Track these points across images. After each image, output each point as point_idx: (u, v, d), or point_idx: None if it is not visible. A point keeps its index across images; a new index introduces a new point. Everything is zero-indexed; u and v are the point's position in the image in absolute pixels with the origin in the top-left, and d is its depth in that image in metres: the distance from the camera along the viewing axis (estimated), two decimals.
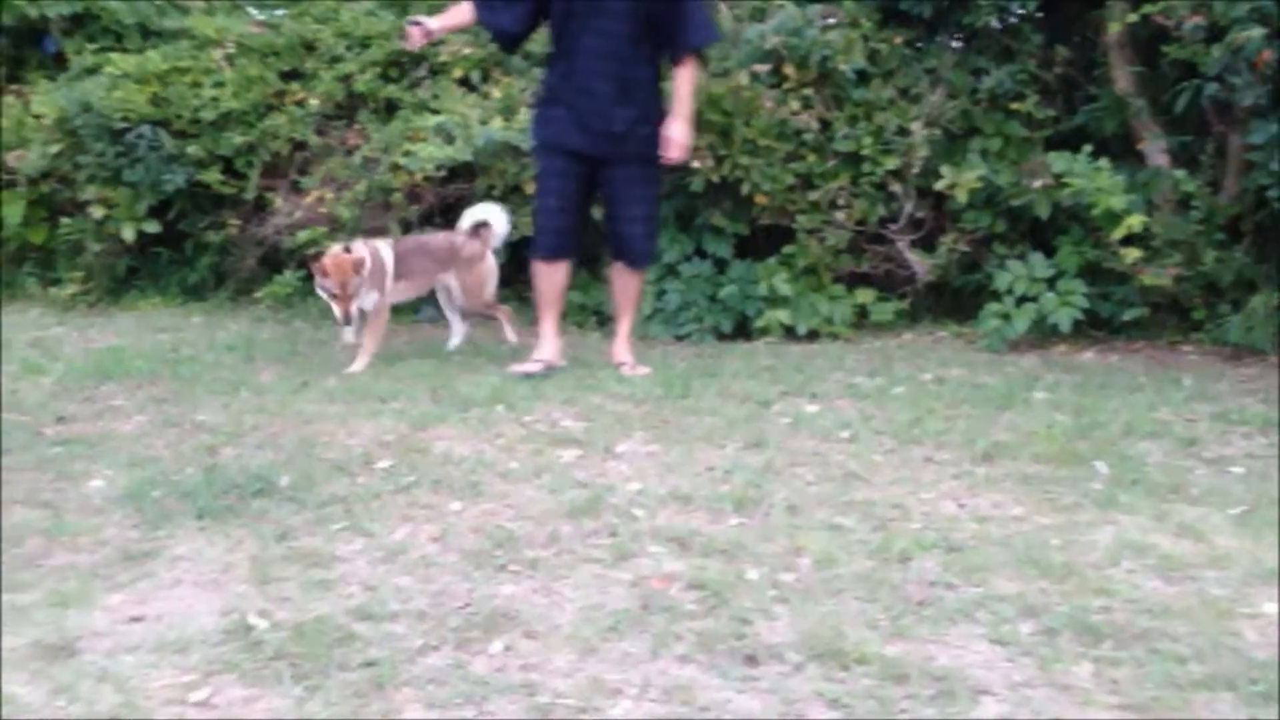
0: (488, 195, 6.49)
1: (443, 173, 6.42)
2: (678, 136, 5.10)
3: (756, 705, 2.38)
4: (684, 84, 5.11)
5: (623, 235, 5.22)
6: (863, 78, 6.39)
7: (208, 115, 6.75)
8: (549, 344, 5.30)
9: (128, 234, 6.84)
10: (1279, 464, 3.83)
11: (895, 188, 6.30)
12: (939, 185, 6.15)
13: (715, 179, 6.23)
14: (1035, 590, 2.89)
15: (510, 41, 5.31)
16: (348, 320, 5.06)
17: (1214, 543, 3.14)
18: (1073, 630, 2.66)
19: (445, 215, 6.74)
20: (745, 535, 3.26)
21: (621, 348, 5.36)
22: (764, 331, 6.20)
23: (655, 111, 5.11)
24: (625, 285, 5.39)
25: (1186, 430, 4.15)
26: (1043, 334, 5.87)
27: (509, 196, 6.46)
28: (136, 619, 2.75)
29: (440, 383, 4.94)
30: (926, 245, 6.36)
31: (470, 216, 5.70)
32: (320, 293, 5.09)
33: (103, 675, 2.47)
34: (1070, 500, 3.53)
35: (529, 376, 5.03)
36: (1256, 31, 5.21)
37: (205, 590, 2.92)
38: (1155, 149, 5.95)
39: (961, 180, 6.07)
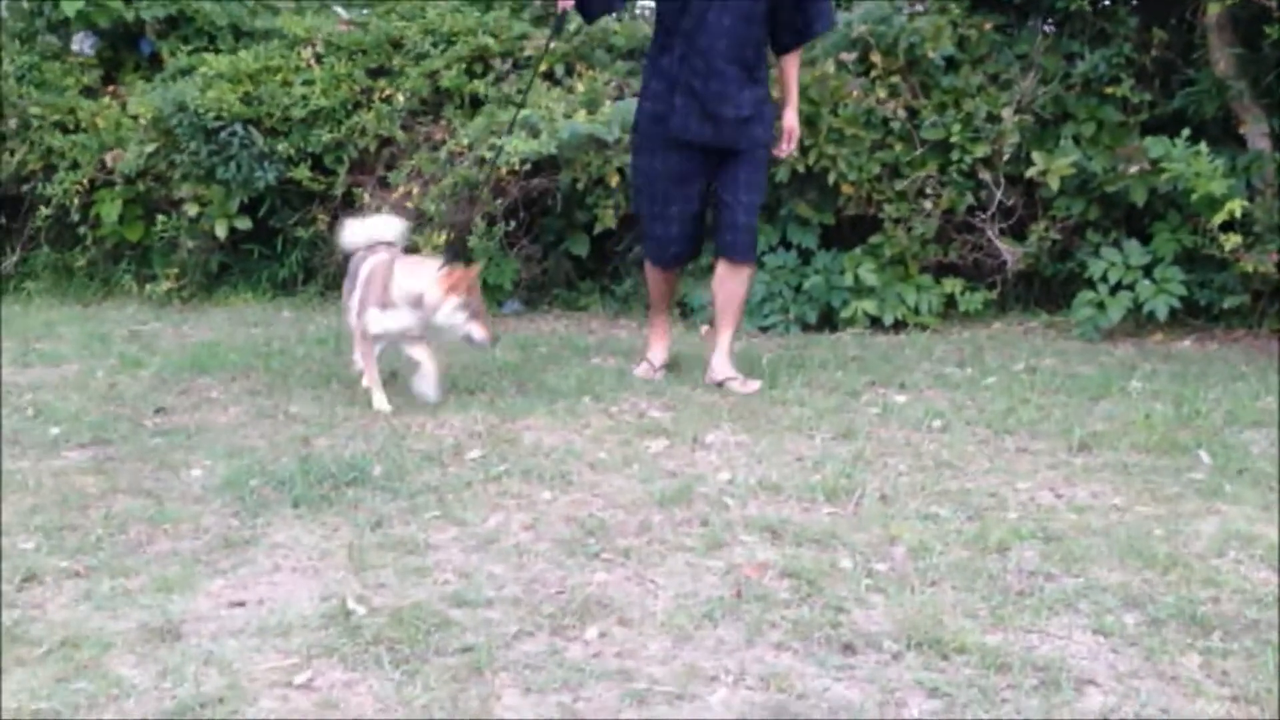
0: (572, 188, 6.53)
1: (528, 166, 6.45)
2: (795, 127, 4.88)
3: (855, 694, 2.35)
4: (795, 72, 4.85)
5: (737, 226, 4.74)
6: (951, 64, 6.29)
7: (297, 113, 6.87)
8: (661, 346, 5.04)
9: (220, 231, 6.99)
10: None
11: (984, 175, 6.20)
12: (1030, 172, 6.04)
13: (801, 169, 6.18)
14: (1138, 581, 2.82)
15: (601, 12, 5.03)
16: (496, 340, 4.48)
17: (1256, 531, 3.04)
18: (1179, 621, 2.59)
19: (529, 209, 6.79)
20: (838, 524, 3.23)
21: (724, 361, 4.82)
22: (849, 322, 6.14)
23: (769, 94, 4.82)
24: (735, 286, 4.86)
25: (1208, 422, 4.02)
26: (1138, 323, 5.73)
27: (592, 189, 6.49)
28: (238, 604, 2.80)
29: (526, 375, 4.97)
30: (1017, 233, 6.25)
31: (365, 231, 4.70)
32: (449, 320, 4.29)
33: (207, 658, 2.52)
34: (1172, 490, 3.43)
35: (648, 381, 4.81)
36: None
37: (303, 576, 2.96)
38: (1257, 132, 5.78)
39: (1054, 167, 5.95)
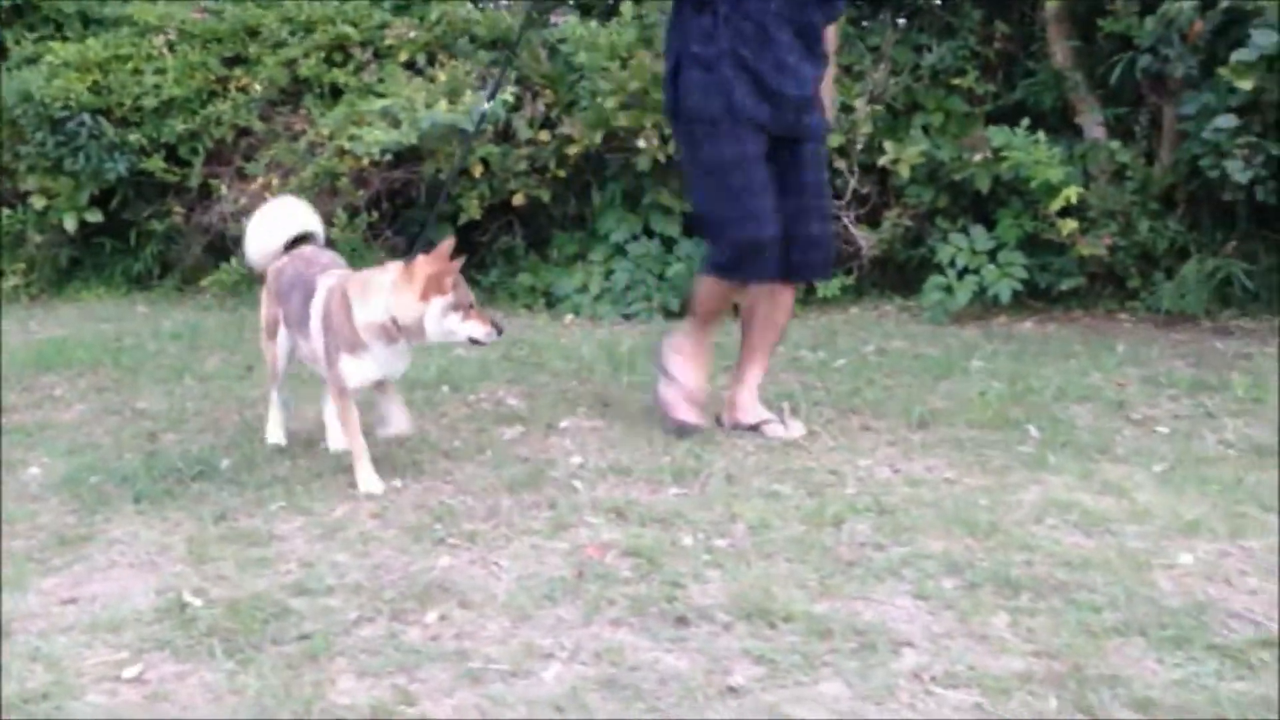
0: (434, 179, 6.50)
1: (389, 157, 6.40)
2: (831, 100, 4.05)
3: (684, 664, 2.42)
4: (835, 42, 4.00)
5: (811, 239, 3.85)
6: None
7: (150, 103, 6.70)
8: (702, 367, 4.09)
9: (70, 224, 6.79)
10: (1202, 423, 3.92)
11: (840, 164, 6.35)
12: (882, 161, 6.21)
13: (661, 158, 6.25)
14: (960, 548, 2.95)
15: None
16: (502, 330, 3.49)
17: (1135, 499, 3.22)
18: (993, 584, 2.72)
19: (392, 200, 6.75)
20: (682, 504, 3.31)
21: (754, 399, 4.01)
22: None
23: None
24: (778, 310, 4.01)
25: (1116, 394, 4.23)
26: (984, 305, 5.94)
27: (457, 180, 6.47)
28: (70, 600, 2.76)
29: None
30: (871, 221, 6.42)
31: (276, 228, 3.80)
32: (442, 329, 3.36)
33: (34, 655, 2.48)
34: (1000, 463, 3.60)
35: (688, 429, 3.94)
36: (1188, 3, 5.30)
37: (140, 571, 2.93)
38: (1092, 122, 6.04)
39: (904, 156, 6.13)
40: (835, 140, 6.25)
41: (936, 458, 3.68)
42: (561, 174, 6.51)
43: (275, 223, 3.82)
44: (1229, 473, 3.40)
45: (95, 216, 6.83)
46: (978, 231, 6.08)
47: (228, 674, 2.40)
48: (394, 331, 3.36)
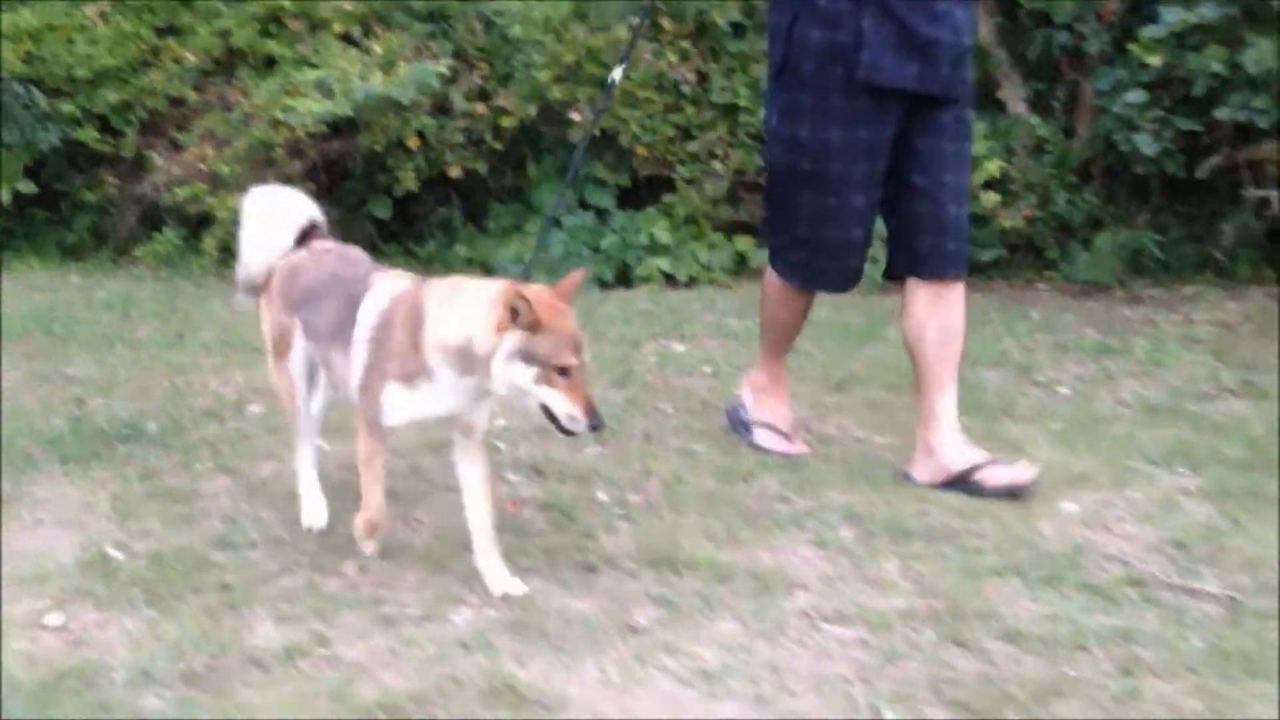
0: (370, 151, 6.54)
1: (325, 128, 6.43)
2: None
3: (589, 607, 2.55)
4: None
5: (946, 226, 3.20)
6: (738, 30, 6.54)
7: (82, 73, 6.67)
8: (785, 400, 3.60)
9: (3, 195, 6.74)
10: (1101, 385, 4.10)
11: None
12: None
13: (596, 131, 6.33)
14: (862, 501, 3.09)
15: None
16: (599, 425, 2.53)
17: (1032, 454, 3.37)
18: (889, 533, 2.87)
19: (329, 171, 6.78)
20: (600, 463, 3.42)
21: (958, 438, 3.24)
22: (645, 279, 6.35)
23: None
24: (951, 317, 3.27)
25: (1025, 358, 4.39)
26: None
27: (392, 152, 6.52)
28: None
29: None
30: None
31: (289, 216, 3.04)
32: (505, 372, 2.47)
33: None
34: (909, 423, 3.73)
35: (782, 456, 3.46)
36: None
37: (66, 528, 2.99)
38: (1014, 97, 6.20)
39: None
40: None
41: (849, 418, 3.82)
42: (498, 146, 6.57)
43: (280, 216, 3.04)
44: (1121, 430, 3.57)
45: (28, 187, 6.78)
46: None
47: (148, 621, 2.49)
48: (468, 360, 2.52)
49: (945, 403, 3.23)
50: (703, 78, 6.49)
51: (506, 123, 6.46)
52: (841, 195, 3.17)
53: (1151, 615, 2.44)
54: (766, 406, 3.56)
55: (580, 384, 2.47)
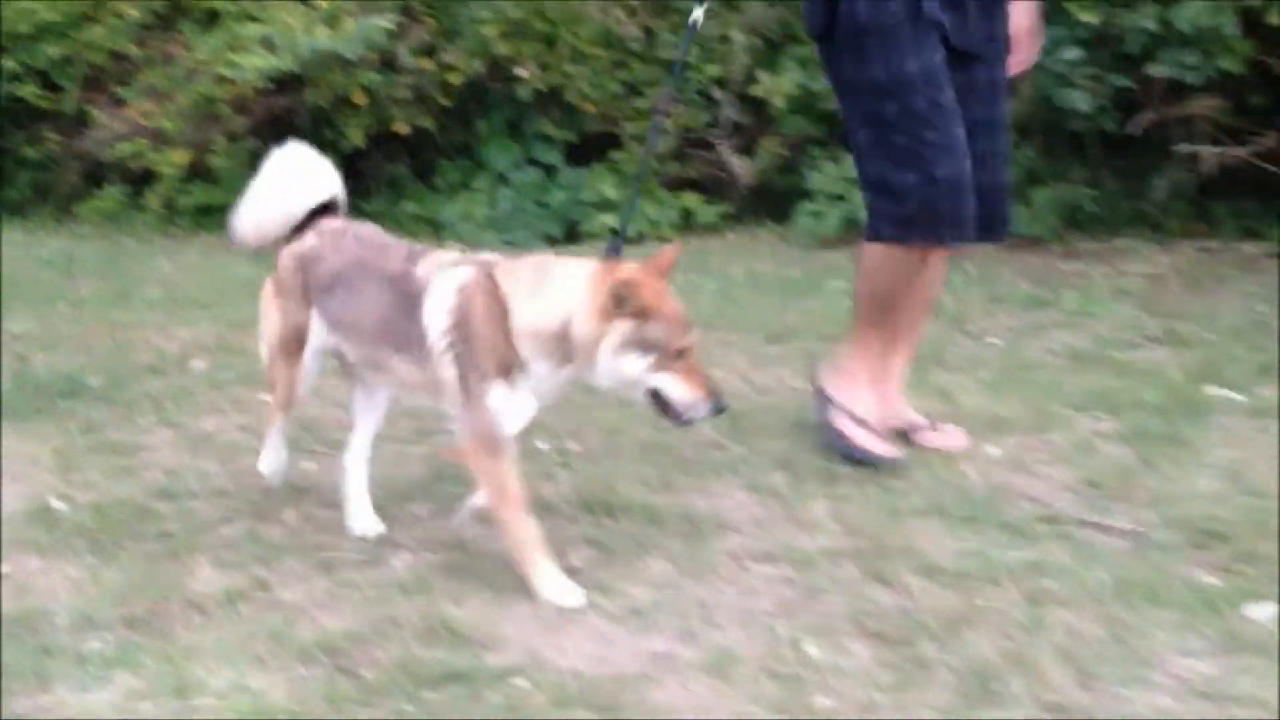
0: (316, 108, 6.51)
1: (270, 85, 6.39)
2: (1032, 32, 3.08)
3: None
4: None
5: (996, 188, 3.02)
6: None
7: (23, 28, 6.58)
8: (874, 393, 3.17)
9: None
10: (1031, 336, 4.20)
11: (718, 95, 6.51)
12: (758, 92, 6.38)
13: (543, 87, 6.35)
14: (795, 447, 3.18)
15: None
16: (720, 407, 2.41)
17: (960, 401, 3.47)
18: (819, 477, 2.96)
19: (275, 127, 6.73)
20: (542, 413, 3.45)
21: (896, 395, 3.25)
22: (593, 236, 6.39)
23: None
24: (937, 286, 3.25)
25: (959, 310, 4.49)
26: (853, 230, 6.17)
27: (339, 108, 6.50)
28: None
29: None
30: (748, 150, 6.60)
31: (306, 187, 2.77)
32: (614, 368, 2.34)
33: None
34: None
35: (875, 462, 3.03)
36: None
37: (9, 481, 3.02)
38: None
39: (779, 87, 6.30)
40: (713, 70, 6.41)
41: (786, 368, 3.90)
42: (445, 103, 6.56)
43: (295, 183, 2.76)
44: (1047, 377, 3.68)
45: None
46: (847, 159, 6.29)
47: (90, 569, 2.54)
48: (566, 349, 2.33)
49: (896, 360, 3.22)
50: (650, 34, 6.51)
51: (454, 79, 6.45)
52: (939, 127, 2.86)
53: (1061, 550, 2.54)
54: (854, 393, 3.14)
55: (697, 366, 2.35)
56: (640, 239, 6.39)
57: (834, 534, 2.65)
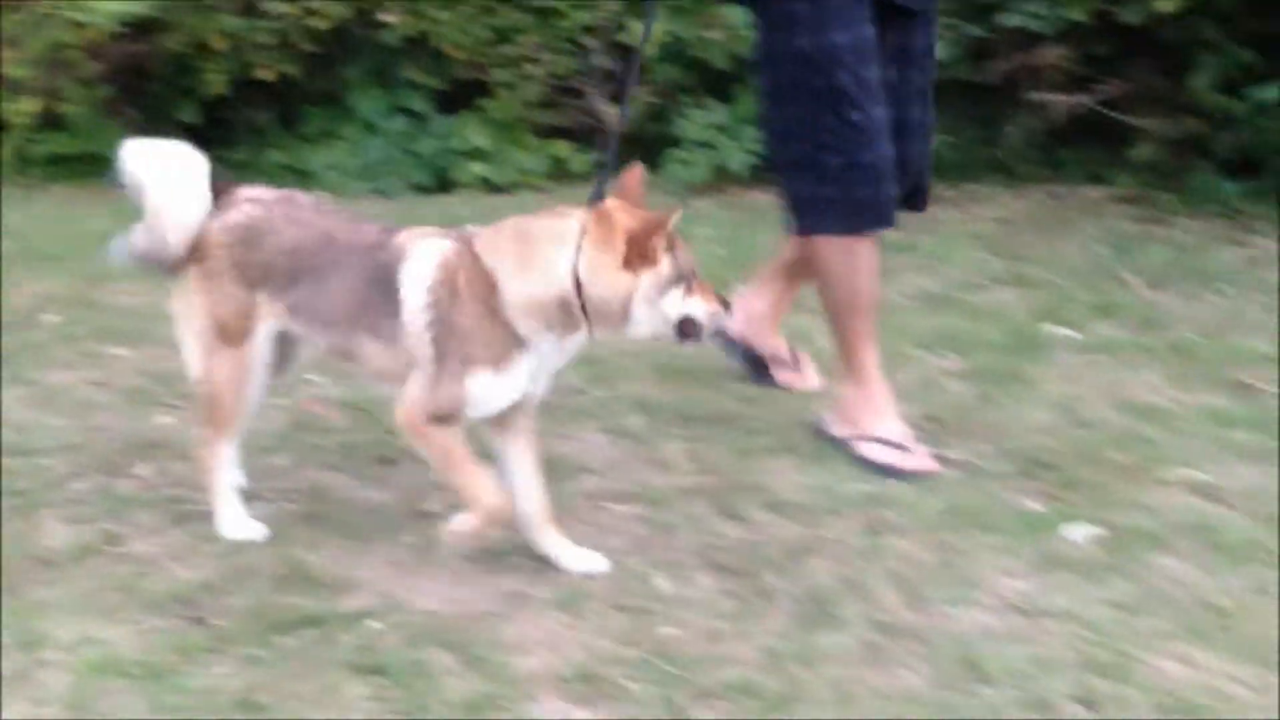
0: (174, 54, 6.31)
1: (125, 29, 6.17)
2: None
3: (384, 497, 2.65)
4: None
5: (924, 157, 2.98)
6: None
7: None
8: (883, 402, 2.92)
9: None
10: (886, 279, 4.34)
11: (587, 41, 6.50)
12: (626, 39, 6.39)
13: (410, 33, 6.25)
14: (654, 391, 3.26)
15: None
16: (729, 307, 2.41)
17: (816, 343, 3.58)
18: (676, 420, 3.04)
19: (131, 74, 6.52)
20: None
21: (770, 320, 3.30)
22: (464, 185, 6.36)
23: None
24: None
25: None
26: (722, 177, 6.26)
27: (198, 54, 6.31)
28: None
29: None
30: (618, 98, 6.62)
31: (193, 168, 2.50)
32: (656, 314, 2.22)
33: None
34: None
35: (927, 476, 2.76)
36: None
37: None
38: None
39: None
40: (582, 18, 6.40)
41: None
42: (310, 49, 6.42)
43: (188, 172, 2.49)
44: (899, 319, 3.80)
45: None
46: (716, 107, 6.36)
47: None
48: (576, 315, 2.19)
49: (779, 289, 3.28)
50: None
51: (319, 24, 6.30)
52: (863, 108, 2.71)
53: (899, 482, 2.67)
54: (871, 418, 2.87)
55: (703, 281, 2.26)
56: (512, 188, 6.39)
57: (688, 473, 2.74)
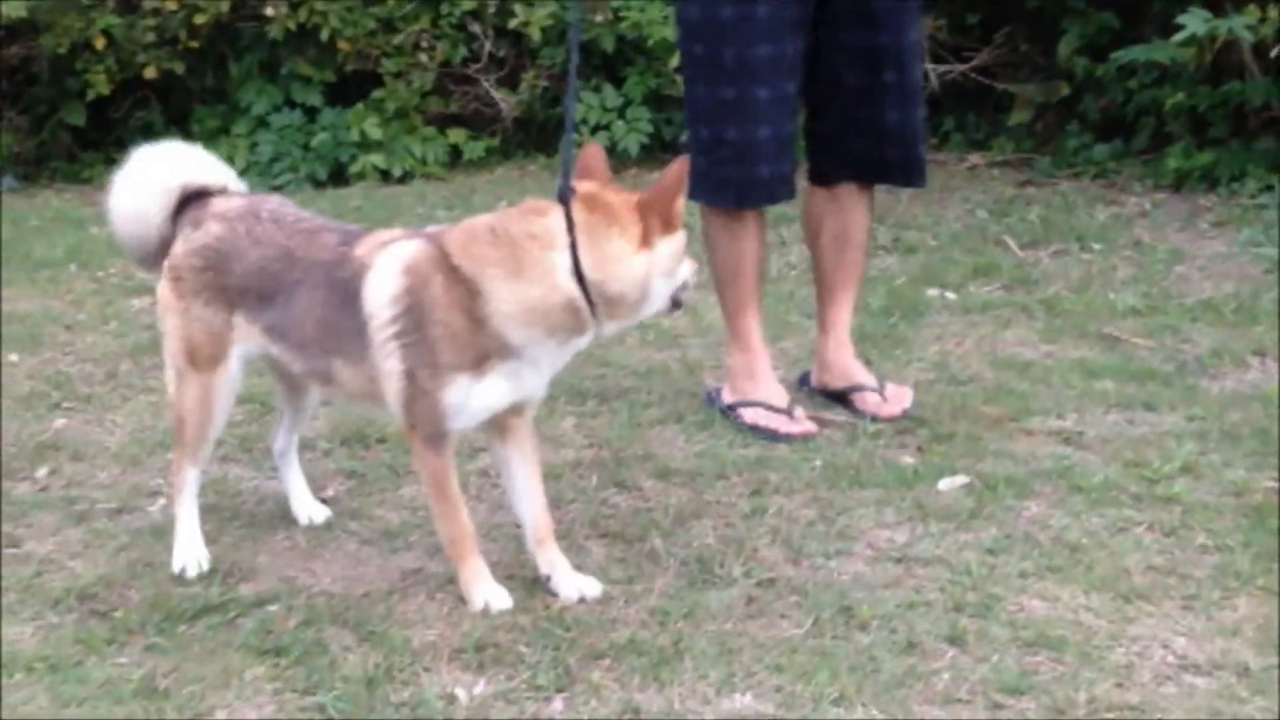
0: (55, 55, 6.20)
1: (0, 32, 6.05)
2: None
3: (282, 487, 2.68)
4: None
5: (885, 128, 2.88)
6: None
7: None
8: (763, 368, 2.98)
9: None
10: (773, 251, 4.47)
11: (475, 28, 6.53)
12: (513, 24, 6.43)
13: (294, 26, 6.22)
14: None
15: None
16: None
17: (703, 317, 3.69)
18: (569, 396, 3.12)
19: (12, 78, 6.40)
20: None
21: (842, 352, 3.07)
22: (360, 176, 6.35)
23: None
24: (851, 222, 3.01)
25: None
26: (616, 159, 6.34)
27: (80, 54, 6.20)
28: None
29: (11, 249, 4.83)
30: (510, 83, 6.66)
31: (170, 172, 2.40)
32: (664, 286, 2.17)
33: None
34: None
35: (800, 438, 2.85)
36: None
37: None
38: None
39: (534, 19, 6.36)
40: (467, 4, 6.42)
41: None
42: (194, 45, 6.35)
43: (147, 179, 2.39)
44: (785, 289, 3.94)
45: None
46: (607, 90, 6.44)
47: None
48: (584, 317, 2.10)
49: (837, 312, 3.05)
50: None
51: (200, 20, 6.24)
52: (739, 85, 2.73)
53: (785, 445, 2.79)
54: (747, 384, 2.93)
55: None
56: (407, 178, 6.40)
57: (579, 447, 2.83)
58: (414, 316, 2.07)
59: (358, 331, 2.12)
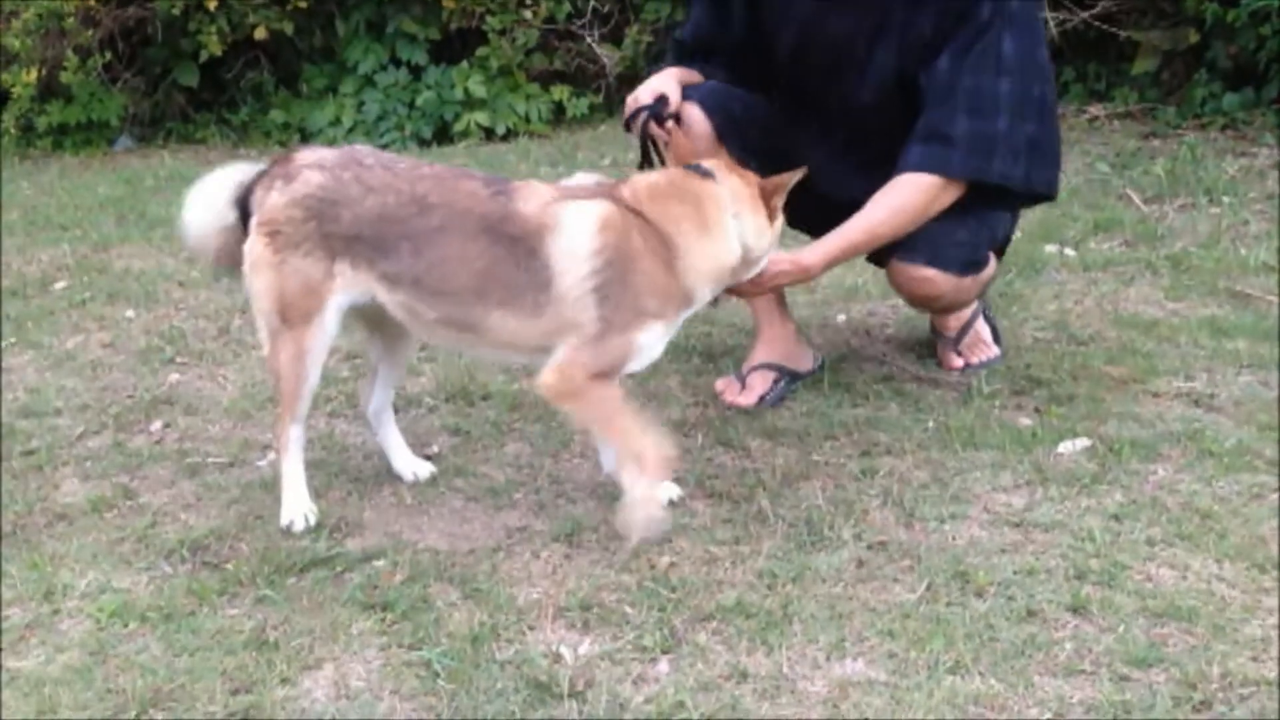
0: (169, 16, 6.31)
1: None
2: None
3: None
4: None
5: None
6: None
7: None
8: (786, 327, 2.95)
9: None
10: None
11: None
12: None
13: None
14: None
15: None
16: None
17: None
18: (674, 354, 3.06)
19: (128, 40, 6.54)
20: None
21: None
22: (465, 134, 6.36)
23: None
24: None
25: None
26: None
27: (193, 15, 6.31)
28: None
29: (128, 207, 4.94)
30: (614, 39, 6.59)
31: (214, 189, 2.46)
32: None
33: None
34: None
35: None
36: None
37: None
38: None
39: None
40: None
41: None
42: (302, 4, 6.41)
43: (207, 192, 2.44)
44: None
45: None
46: None
47: None
48: (732, 276, 2.33)
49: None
50: None
51: None
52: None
53: (894, 405, 2.71)
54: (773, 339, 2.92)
55: None
56: (511, 135, 6.39)
57: (685, 405, 2.78)
58: (617, 268, 2.16)
59: (538, 286, 2.16)
